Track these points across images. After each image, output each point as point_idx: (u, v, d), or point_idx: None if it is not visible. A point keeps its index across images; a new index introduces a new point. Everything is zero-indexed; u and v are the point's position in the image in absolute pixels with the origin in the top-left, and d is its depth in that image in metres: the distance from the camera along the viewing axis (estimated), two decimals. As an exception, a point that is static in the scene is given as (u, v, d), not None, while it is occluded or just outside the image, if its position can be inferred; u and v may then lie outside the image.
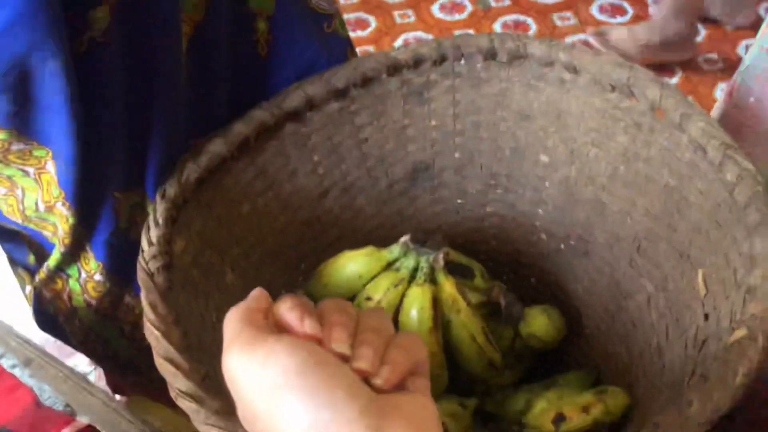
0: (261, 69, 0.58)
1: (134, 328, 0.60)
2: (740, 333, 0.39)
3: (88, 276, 0.56)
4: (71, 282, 0.57)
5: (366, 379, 0.32)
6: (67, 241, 0.53)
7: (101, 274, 0.56)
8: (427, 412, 0.34)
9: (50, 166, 0.49)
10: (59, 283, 0.57)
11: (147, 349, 0.42)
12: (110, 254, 0.55)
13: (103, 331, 0.60)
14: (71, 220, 0.51)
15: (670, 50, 1.58)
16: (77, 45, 0.42)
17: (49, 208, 0.52)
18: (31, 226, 0.55)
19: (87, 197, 0.51)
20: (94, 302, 0.58)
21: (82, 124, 0.45)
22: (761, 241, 0.44)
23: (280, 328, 0.34)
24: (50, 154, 0.48)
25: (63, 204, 0.50)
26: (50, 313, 0.60)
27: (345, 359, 0.33)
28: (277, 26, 0.56)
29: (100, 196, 0.52)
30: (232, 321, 0.34)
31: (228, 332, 0.33)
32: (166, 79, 0.48)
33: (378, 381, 0.32)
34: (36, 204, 0.52)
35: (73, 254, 0.55)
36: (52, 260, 0.55)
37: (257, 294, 0.36)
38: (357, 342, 0.34)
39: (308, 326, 0.33)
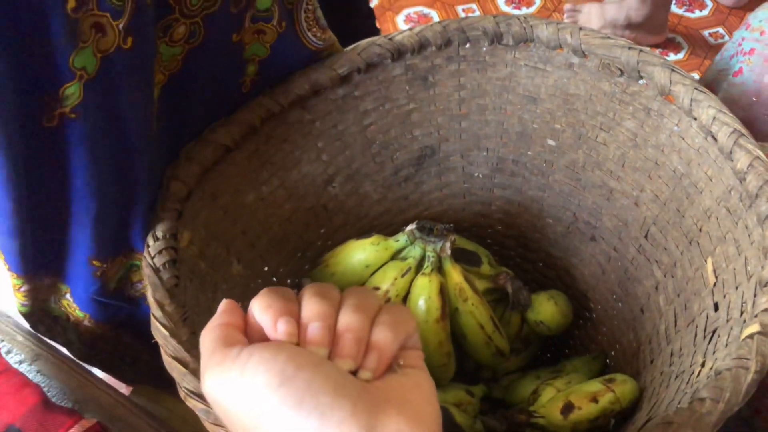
0: (240, 102, 0.56)
1: (135, 361, 0.59)
2: (753, 328, 0.38)
3: (77, 320, 0.55)
4: (61, 321, 0.56)
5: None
6: (23, 301, 0.51)
7: (90, 321, 0.55)
8: (421, 392, 0.32)
9: None
10: (46, 321, 0.56)
11: (151, 365, 0.40)
12: (97, 309, 0.54)
13: (101, 356, 0.59)
14: (17, 284, 0.49)
15: (636, 32, 1.54)
16: (47, 119, 0.40)
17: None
18: None
19: (45, 265, 0.49)
20: (87, 340, 0.56)
21: (23, 204, 0.43)
22: (773, 232, 0.44)
23: (258, 334, 0.33)
24: None
25: (8, 270, 0.49)
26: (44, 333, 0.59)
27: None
28: (267, 67, 0.55)
29: (72, 262, 0.50)
30: (205, 342, 0.32)
31: (202, 355, 0.32)
32: (137, 139, 0.45)
33: (365, 374, 0.31)
34: None
35: (53, 302, 0.54)
36: (20, 307, 0.53)
37: (225, 307, 0.34)
38: (338, 332, 0.32)
39: (282, 330, 0.32)
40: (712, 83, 0.71)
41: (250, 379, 0.29)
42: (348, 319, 0.33)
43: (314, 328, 0.32)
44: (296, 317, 0.33)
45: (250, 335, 0.33)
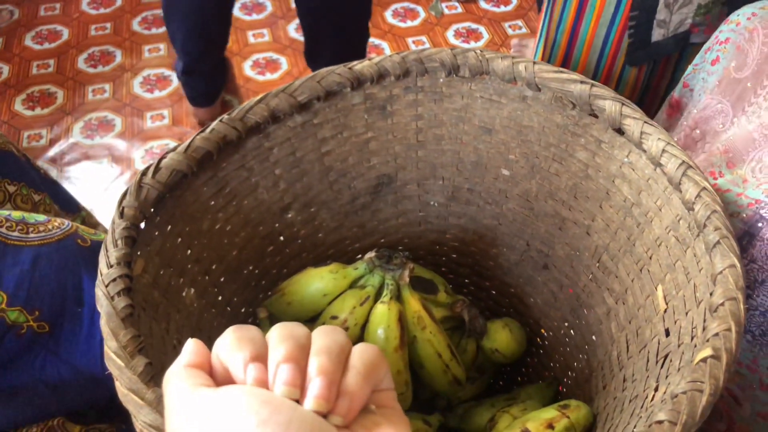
0: None
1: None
2: (705, 352, 0.39)
3: None
4: None
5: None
6: None
7: None
8: None
9: None
10: None
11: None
12: None
13: None
14: None
15: None
16: None
17: None
18: None
19: None
20: None
21: None
22: (721, 260, 0.45)
23: (223, 376, 0.32)
24: None
25: None
26: None
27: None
28: None
29: None
30: (171, 385, 0.31)
31: (168, 400, 0.31)
32: None
33: (336, 419, 0.31)
34: None
35: None
36: None
37: (192, 348, 0.33)
38: (310, 375, 0.32)
39: (253, 376, 0.31)
40: (691, 78, 0.75)
41: (225, 423, 0.29)
42: (320, 362, 0.32)
43: (286, 370, 0.31)
44: (264, 359, 0.32)
45: (216, 377, 0.32)
